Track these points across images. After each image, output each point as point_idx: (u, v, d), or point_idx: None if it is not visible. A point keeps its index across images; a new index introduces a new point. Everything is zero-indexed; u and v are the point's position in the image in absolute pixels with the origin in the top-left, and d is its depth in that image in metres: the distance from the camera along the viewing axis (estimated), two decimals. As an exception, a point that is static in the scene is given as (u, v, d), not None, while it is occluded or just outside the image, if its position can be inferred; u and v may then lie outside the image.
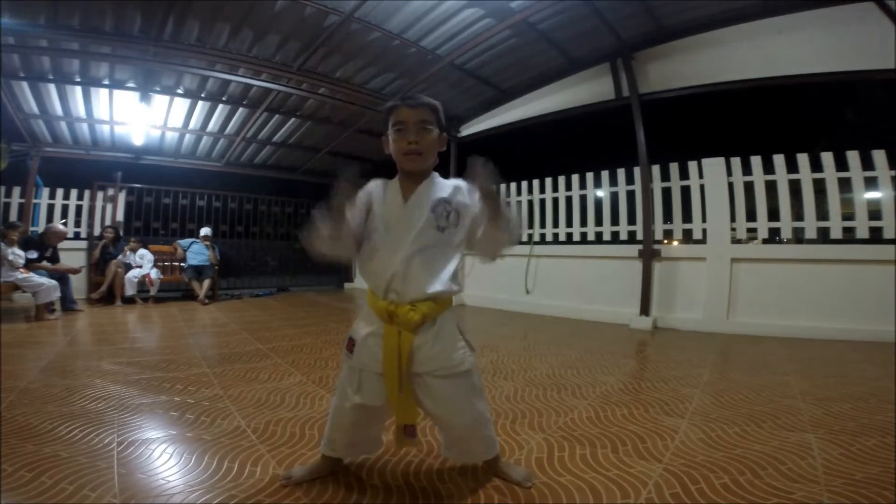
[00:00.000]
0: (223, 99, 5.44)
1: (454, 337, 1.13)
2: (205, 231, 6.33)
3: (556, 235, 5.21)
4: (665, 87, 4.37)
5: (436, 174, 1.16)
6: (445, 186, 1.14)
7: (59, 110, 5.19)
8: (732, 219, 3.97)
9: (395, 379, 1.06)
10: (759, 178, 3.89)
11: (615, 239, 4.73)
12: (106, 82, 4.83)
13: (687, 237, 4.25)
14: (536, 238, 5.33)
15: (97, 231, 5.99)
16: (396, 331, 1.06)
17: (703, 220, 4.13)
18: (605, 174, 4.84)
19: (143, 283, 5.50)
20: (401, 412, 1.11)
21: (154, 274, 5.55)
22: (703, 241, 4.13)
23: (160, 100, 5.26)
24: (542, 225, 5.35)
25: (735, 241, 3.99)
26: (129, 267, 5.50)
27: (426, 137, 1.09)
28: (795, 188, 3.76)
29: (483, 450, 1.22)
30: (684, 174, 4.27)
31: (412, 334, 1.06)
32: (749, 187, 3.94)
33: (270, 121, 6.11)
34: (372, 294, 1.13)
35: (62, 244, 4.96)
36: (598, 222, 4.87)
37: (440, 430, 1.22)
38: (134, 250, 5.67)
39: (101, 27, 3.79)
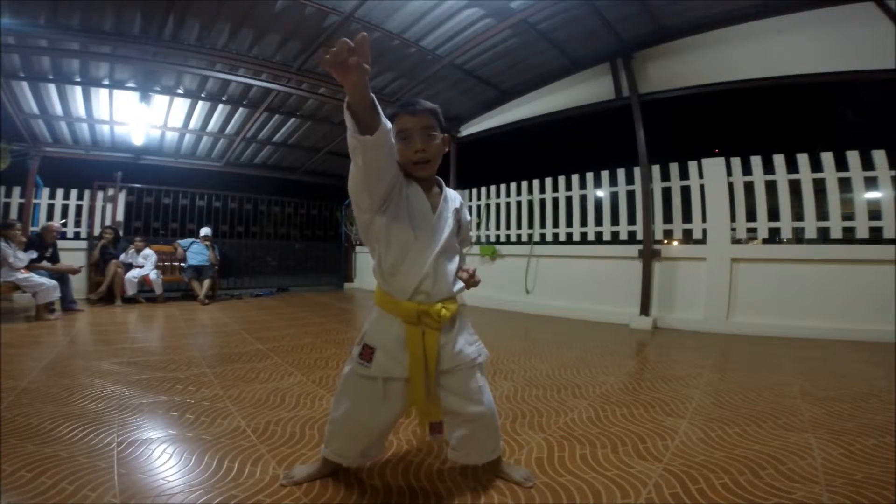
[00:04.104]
0: (223, 99, 5.44)
1: (469, 331, 1.20)
2: (205, 231, 6.32)
3: (556, 235, 5.21)
4: (665, 87, 4.36)
5: (443, 182, 1.21)
6: (455, 199, 1.21)
7: (59, 110, 5.19)
8: (732, 219, 3.97)
9: (423, 380, 1.07)
10: (759, 178, 3.89)
11: (615, 239, 4.72)
12: (106, 82, 4.83)
13: (687, 237, 4.25)
14: (536, 238, 5.33)
15: (97, 231, 5.99)
16: (420, 332, 1.07)
17: (703, 220, 4.13)
18: (605, 174, 4.83)
19: (143, 284, 5.50)
20: (426, 412, 1.12)
21: (153, 275, 5.54)
22: (703, 241, 4.13)
23: (160, 100, 5.26)
24: (542, 225, 5.35)
25: (735, 241, 3.99)
26: (129, 267, 5.50)
27: (431, 144, 1.10)
28: (795, 188, 3.76)
29: (492, 447, 1.22)
30: (684, 174, 4.27)
31: (438, 332, 1.09)
32: (749, 187, 3.94)
33: (270, 121, 6.11)
34: (390, 297, 1.10)
35: (62, 244, 4.96)
36: (598, 222, 4.87)
37: (452, 429, 1.19)
38: (139, 250, 5.67)
39: (101, 27, 3.79)
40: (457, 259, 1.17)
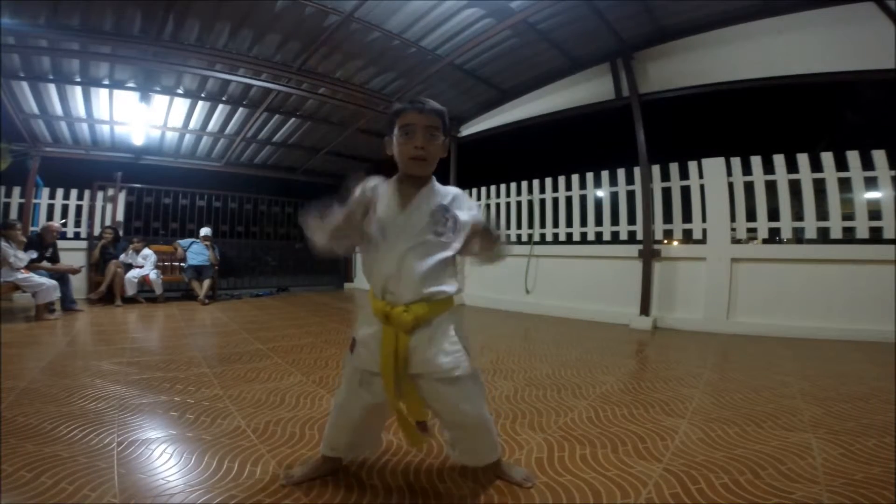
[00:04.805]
0: (223, 99, 5.44)
1: (449, 340, 1.09)
2: (205, 231, 6.32)
3: (556, 235, 5.21)
4: (665, 87, 4.36)
5: (434, 179, 1.17)
6: (446, 194, 1.14)
7: (59, 110, 5.19)
8: (732, 219, 3.97)
9: (391, 379, 1.07)
10: (759, 178, 3.89)
11: (615, 239, 4.72)
12: (106, 82, 4.83)
13: (687, 237, 4.25)
14: (536, 238, 5.33)
15: (97, 231, 5.99)
16: (393, 331, 1.07)
17: (703, 220, 4.13)
18: (605, 174, 4.83)
19: (143, 284, 5.49)
20: (399, 409, 1.11)
21: (153, 275, 5.54)
22: (703, 241, 4.13)
23: (160, 100, 5.26)
24: (542, 225, 5.35)
25: (735, 241, 3.99)
26: (129, 267, 5.49)
27: (433, 144, 1.10)
28: (795, 188, 3.76)
29: (486, 453, 1.21)
30: (684, 174, 4.27)
31: (407, 335, 1.07)
32: (749, 187, 3.93)
33: (270, 121, 6.10)
34: (372, 295, 1.14)
35: (62, 244, 4.96)
36: (598, 222, 4.86)
37: (445, 429, 1.23)
38: (137, 250, 5.67)
39: (101, 27, 3.78)
40: (440, 256, 1.08)
